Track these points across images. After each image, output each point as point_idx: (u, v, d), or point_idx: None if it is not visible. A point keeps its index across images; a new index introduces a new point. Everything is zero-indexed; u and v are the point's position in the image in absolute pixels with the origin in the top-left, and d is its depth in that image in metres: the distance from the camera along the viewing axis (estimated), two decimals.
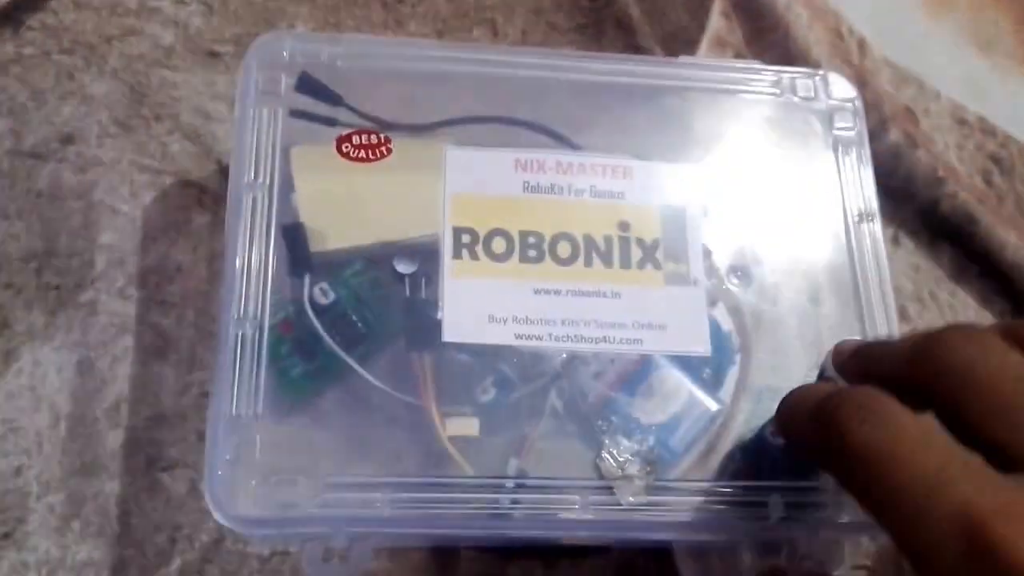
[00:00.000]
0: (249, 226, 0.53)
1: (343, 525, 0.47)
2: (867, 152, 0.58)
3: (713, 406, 0.52)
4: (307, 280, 0.54)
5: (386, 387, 0.52)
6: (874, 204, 0.57)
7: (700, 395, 0.52)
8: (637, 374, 0.52)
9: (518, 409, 0.52)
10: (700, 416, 0.52)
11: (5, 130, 0.60)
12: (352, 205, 0.56)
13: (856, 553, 0.54)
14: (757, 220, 0.57)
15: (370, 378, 0.52)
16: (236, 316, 0.50)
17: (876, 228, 0.57)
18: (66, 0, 0.64)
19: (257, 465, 0.48)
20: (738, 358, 0.54)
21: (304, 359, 0.53)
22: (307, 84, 0.58)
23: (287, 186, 0.55)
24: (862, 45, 0.69)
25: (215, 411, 0.47)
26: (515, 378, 0.52)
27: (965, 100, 0.69)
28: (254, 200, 0.55)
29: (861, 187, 0.57)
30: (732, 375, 0.54)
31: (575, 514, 0.49)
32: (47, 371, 0.54)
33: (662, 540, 0.52)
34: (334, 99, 0.59)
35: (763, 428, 0.52)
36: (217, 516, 0.45)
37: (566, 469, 0.50)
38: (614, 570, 0.53)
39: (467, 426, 0.52)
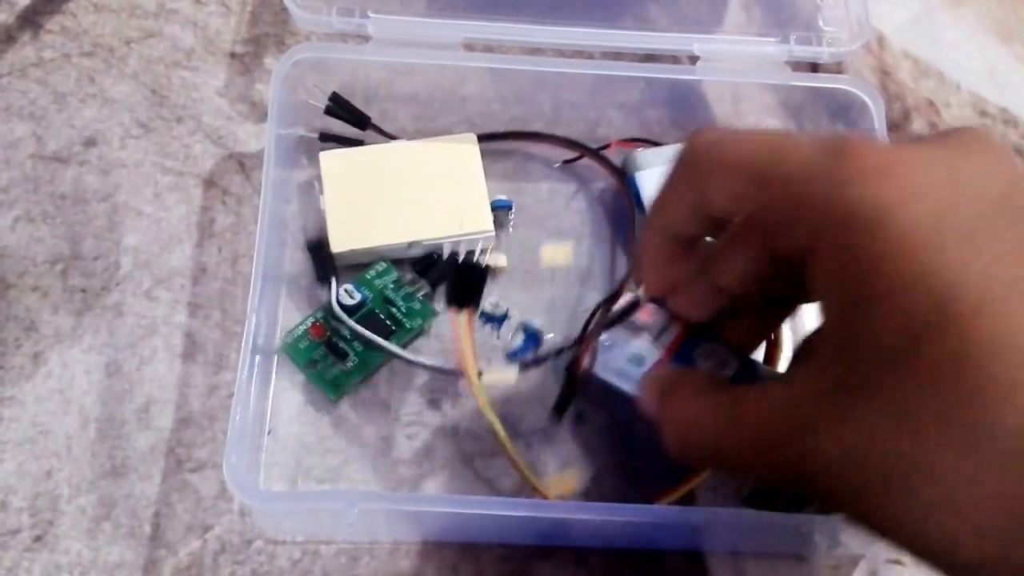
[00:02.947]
0: (273, 239, 0.54)
1: (356, 500, 0.47)
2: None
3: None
4: (333, 285, 0.54)
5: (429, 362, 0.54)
6: None
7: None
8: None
9: None
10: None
11: (27, 134, 0.60)
12: (377, 207, 0.56)
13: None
14: None
15: (409, 356, 0.54)
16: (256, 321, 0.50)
17: None
18: (85, 3, 0.64)
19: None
20: None
21: (338, 358, 0.54)
22: (336, 108, 0.59)
23: (314, 193, 0.58)
24: (881, 40, 0.69)
25: (235, 419, 0.47)
26: None
27: (986, 91, 0.69)
28: (282, 215, 0.57)
29: None
30: None
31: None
32: (75, 374, 0.54)
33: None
34: (363, 120, 0.59)
35: None
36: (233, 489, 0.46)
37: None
38: (645, 569, 0.53)
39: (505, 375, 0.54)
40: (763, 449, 0.38)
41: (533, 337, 0.56)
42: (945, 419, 0.32)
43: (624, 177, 0.60)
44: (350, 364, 0.55)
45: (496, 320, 0.56)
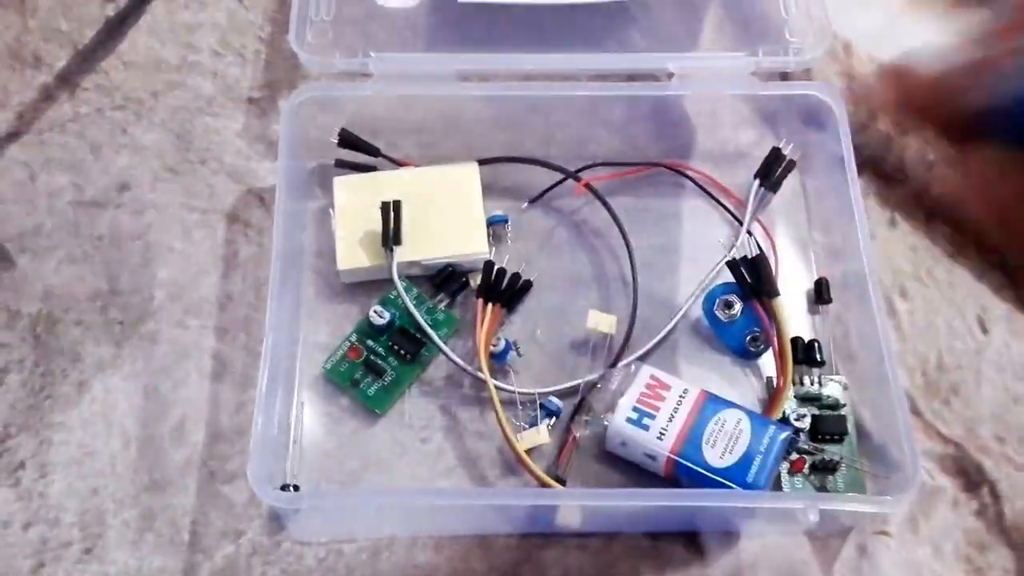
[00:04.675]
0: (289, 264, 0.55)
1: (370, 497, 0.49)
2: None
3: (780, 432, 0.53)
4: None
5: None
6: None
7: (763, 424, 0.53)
8: (696, 424, 0.53)
9: None
10: (770, 445, 0.52)
11: (68, 183, 0.62)
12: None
13: (878, 519, 0.55)
14: None
15: (453, 356, 0.56)
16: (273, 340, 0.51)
17: None
18: (115, 61, 0.66)
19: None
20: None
21: (377, 376, 0.56)
22: (347, 140, 0.61)
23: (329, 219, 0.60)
24: (847, 47, 0.69)
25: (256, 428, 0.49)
26: None
27: None
28: (298, 242, 0.59)
29: None
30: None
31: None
32: (116, 398, 0.56)
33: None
34: (372, 151, 0.61)
35: None
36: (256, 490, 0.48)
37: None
38: (644, 550, 0.54)
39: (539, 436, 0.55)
40: None
41: (554, 411, 0.56)
42: None
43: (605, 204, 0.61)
44: (388, 379, 0.56)
45: (497, 357, 0.57)
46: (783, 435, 0.53)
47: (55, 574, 0.51)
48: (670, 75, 0.63)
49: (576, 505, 0.51)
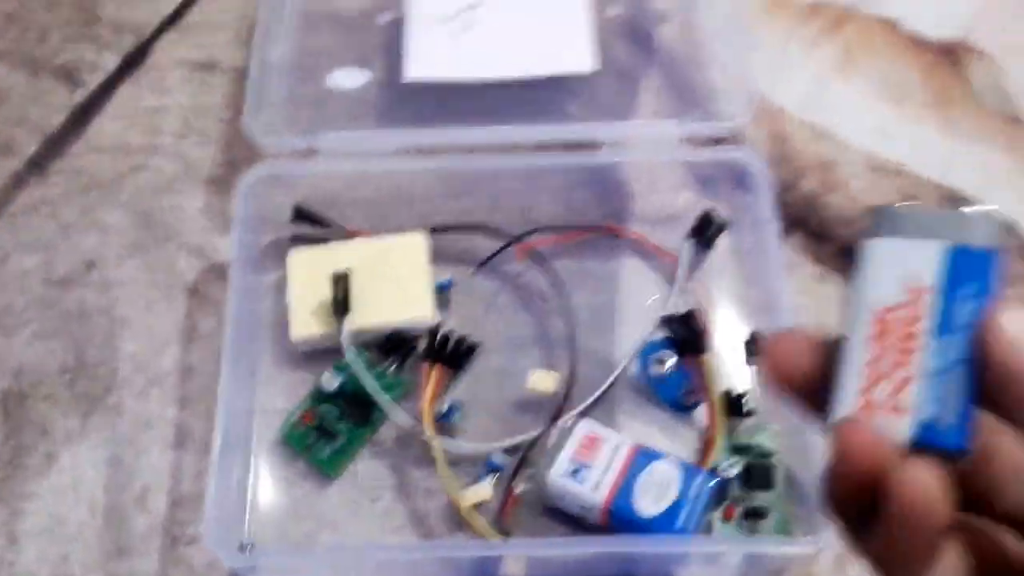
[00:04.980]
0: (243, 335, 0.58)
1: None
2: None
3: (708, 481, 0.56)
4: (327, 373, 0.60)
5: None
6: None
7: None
8: (629, 476, 0.56)
9: None
10: (699, 493, 0.55)
11: (39, 263, 0.65)
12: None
13: (805, 562, 0.57)
14: None
15: (399, 420, 0.59)
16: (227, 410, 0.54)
17: None
18: (82, 146, 0.70)
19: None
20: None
21: (328, 440, 0.59)
22: (301, 215, 0.65)
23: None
24: (781, 111, 0.73)
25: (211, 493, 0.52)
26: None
27: (878, 148, 0.72)
28: (256, 312, 0.62)
29: None
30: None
31: None
32: (83, 469, 0.59)
33: None
34: (325, 223, 0.64)
35: None
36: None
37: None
38: None
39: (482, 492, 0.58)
40: None
41: (497, 467, 0.59)
42: None
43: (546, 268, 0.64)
44: (340, 442, 0.59)
45: (444, 417, 0.60)
46: (711, 484, 0.55)
47: None
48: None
49: (518, 557, 0.54)
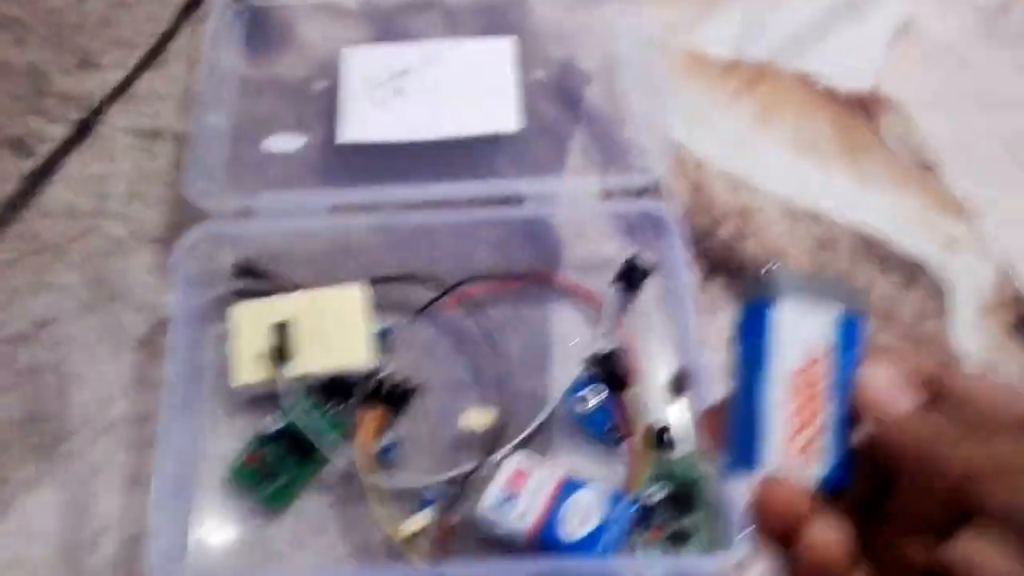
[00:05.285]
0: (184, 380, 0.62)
1: None
2: None
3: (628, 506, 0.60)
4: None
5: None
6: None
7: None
8: (555, 505, 0.60)
9: None
10: (620, 517, 0.59)
11: None
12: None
13: None
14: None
15: (335, 459, 0.63)
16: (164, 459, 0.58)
17: None
18: (34, 211, 0.74)
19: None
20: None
21: (272, 479, 0.63)
22: (242, 270, 0.69)
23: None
24: (699, 164, 0.78)
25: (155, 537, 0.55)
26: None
27: (794, 195, 0.77)
28: (199, 362, 0.65)
29: None
30: None
31: None
32: (39, 512, 0.62)
33: None
34: (266, 276, 0.68)
35: None
36: None
37: None
38: None
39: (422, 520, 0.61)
40: None
41: (431, 501, 0.62)
42: None
43: (475, 315, 0.68)
44: (284, 480, 0.63)
45: (383, 455, 0.64)
46: (631, 509, 0.59)
47: None
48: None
49: None
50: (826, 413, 0.35)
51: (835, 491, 0.35)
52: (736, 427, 0.35)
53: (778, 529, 0.34)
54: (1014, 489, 0.30)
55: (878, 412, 0.34)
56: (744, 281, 0.36)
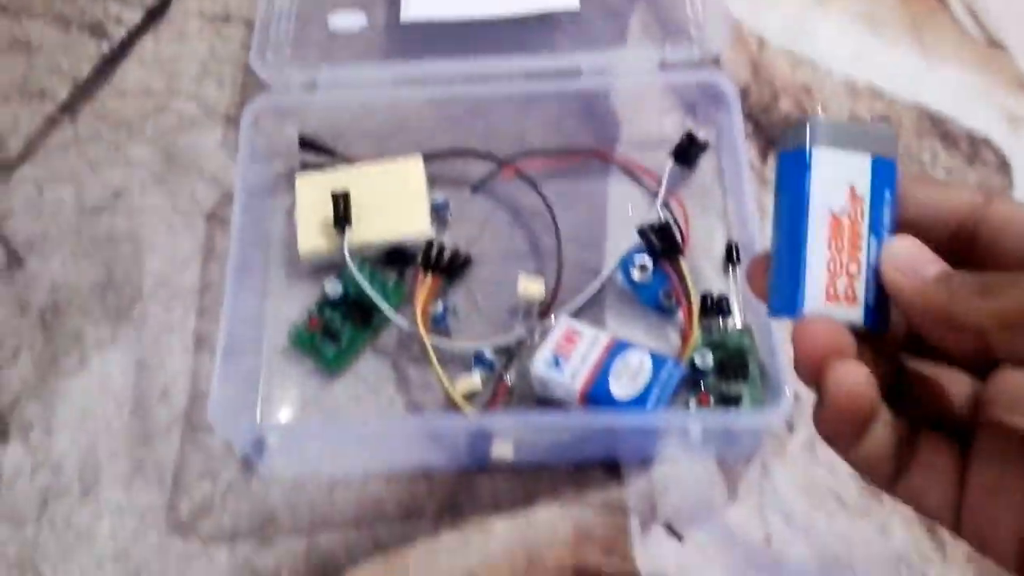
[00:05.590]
0: (248, 242, 0.64)
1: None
2: None
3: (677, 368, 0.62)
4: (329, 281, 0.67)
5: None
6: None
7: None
8: (605, 364, 0.61)
9: None
10: (668, 378, 0.61)
11: (71, 194, 0.72)
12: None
13: (778, 446, 0.63)
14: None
15: (394, 316, 0.65)
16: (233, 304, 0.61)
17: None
18: (109, 91, 0.77)
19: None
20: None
21: (332, 341, 0.65)
22: (305, 143, 0.71)
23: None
24: (760, 42, 0.78)
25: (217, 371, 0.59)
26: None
27: (855, 73, 0.77)
28: (264, 231, 0.68)
29: None
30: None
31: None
32: (112, 370, 0.65)
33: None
34: (329, 152, 0.70)
35: None
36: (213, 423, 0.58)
37: None
38: (567, 476, 0.62)
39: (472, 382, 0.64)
40: None
41: (489, 365, 0.65)
42: None
43: (533, 186, 0.70)
44: (344, 343, 0.65)
45: (437, 319, 0.66)
46: (680, 370, 0.61)
47: (57, 512, 0.61)
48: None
49: (506, 440, 0.60)
50: (865, 256, 0.36)
51: (873, 332, 0.36)
52: (778, 272, 0.37)
53: (814, 368, 0.35)
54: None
55: (897, 287, 0.35)
56: (783, 129, 0.38)
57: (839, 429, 0.35)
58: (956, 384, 0.38)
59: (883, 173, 0.36)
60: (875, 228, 0.36)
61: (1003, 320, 0.31)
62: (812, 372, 0.35)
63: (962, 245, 0.36)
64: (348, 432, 0.62)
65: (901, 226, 0.36)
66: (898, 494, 0.37)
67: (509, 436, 0.60)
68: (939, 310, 0.33)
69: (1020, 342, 0.31)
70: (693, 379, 0.63)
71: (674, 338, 0.66)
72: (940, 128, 0.74)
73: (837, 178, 0.36)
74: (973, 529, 0.35)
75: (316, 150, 0.71)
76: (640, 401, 0.59)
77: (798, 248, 0.36)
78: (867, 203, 0.36)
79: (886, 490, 0.37)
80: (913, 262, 0.35)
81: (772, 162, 0.72)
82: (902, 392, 0.38)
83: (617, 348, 0.62)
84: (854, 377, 0.34)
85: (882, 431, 0.35)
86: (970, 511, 0.35)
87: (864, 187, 0.36)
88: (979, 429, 0.36)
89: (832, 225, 0.36)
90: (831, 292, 0.36)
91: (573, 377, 0.61)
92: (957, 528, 0.36)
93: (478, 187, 0.72)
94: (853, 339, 0.35)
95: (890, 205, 0.36)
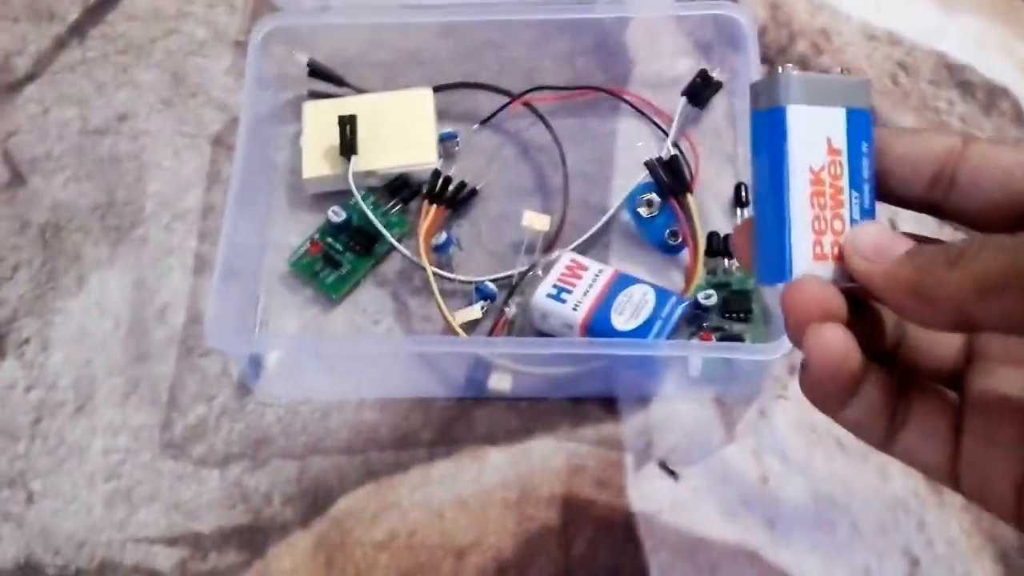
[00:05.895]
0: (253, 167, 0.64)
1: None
2: None
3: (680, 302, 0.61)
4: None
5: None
6: None
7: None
8: (607, 297, 0.61)
9: None
10: (671, 313, 0.60)
11: (75, 115, 0.72)
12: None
13: (778, 387, 0.62)
14: None
15: (396, 244, 0.65)
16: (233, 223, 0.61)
17: None
18: (119, 13, 0.76)
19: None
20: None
21: (334, 268, 0.65)
22: (315, 70, 0.70)
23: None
24: None
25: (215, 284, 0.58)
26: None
27: (873, 19, 0.76)
28: (269, 158, 0.68)
29: None
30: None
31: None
32: (110, 289, 0.65)
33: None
34: (338, 81, 0.70)
35: None
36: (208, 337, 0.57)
37: None
38: (565, 410, 0.62)
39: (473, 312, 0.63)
40: None
41: (491, 295, 0.64)
42: None
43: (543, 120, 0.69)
44: (344, 270, 0.65)
45: (440, 249, 0.66)
46: (683, 305, 0.61)
47: (51, 427, 0.61)
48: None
49: (504, 373, 0.60)
50: (847, 211, 0.35)
51: (861, 291, 0.35)
52: (762, 237, 0.36)
53: (803, 328, 0.34)
54: (1004, 309, 0.30)
55: (866, 276, 0.34)
56: (752, 86, 0.37)
57: (824, 393, 0.35)
58: (948, 336, 0.37)
59: (858, 124, 0.35)
60: (855, 182, 0.35)
61: (977, 288, 0.30)
62: (801, 334, 0.34)
63: (942, 193, 0.35)
64: (345, 351, 0.61)
65: (879, 178, 0.36)
66: (893, 452, 0.36)
67: (507, 364, 0.59)
68: (912, 290, 0.32)
69: (997, 308, 0.30)
70: (695, 318, 0.62)
71: (677, 279, 0.65)
72: (958, 76, 0.73)
73: (814, 134, 0.35)
74: (970, 483, 0.35)
75: (326, 79, 0.71)
76: (641, 334, 0.59)
77: (781, 211, 0.35)
78: (845, 156, 0.35)
79: (880, 449, 0.36)
80: (878, 246, 0.34)
81: None
82: (898, 346, 0.37)
83: (621, 281, 0.61)
84: (835, 341, 0.33)
85: (872, 391, 0.35)
86: (966, 465, 0.34)
87: (840, 140, 0.35)
88: (972, 382, 0.36)
89: (813, 182, 0.35)
90: (818, 251, 0.35)
91: (575, 308, 0.60)
92: (955, 483, 0.35)
93: (487, 120, 0.71)
94: (843, 298, 0.34)
95: (868, 157, 0.35)
